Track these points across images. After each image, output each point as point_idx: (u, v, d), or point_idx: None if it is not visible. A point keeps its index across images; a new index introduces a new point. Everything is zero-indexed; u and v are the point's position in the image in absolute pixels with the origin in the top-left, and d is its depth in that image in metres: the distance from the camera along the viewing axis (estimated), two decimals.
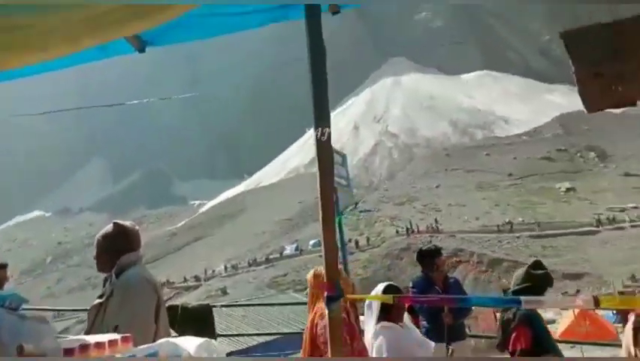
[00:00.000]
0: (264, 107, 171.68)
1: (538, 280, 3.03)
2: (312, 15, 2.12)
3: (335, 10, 2.45)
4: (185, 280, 68.62)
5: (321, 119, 2.02)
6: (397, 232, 57.85)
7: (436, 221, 59.98)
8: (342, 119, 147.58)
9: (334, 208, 1.85)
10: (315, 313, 2.98)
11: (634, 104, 1.86)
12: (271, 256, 65.64)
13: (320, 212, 1.85)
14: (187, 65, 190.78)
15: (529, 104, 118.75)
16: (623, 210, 57.71)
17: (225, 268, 67.74)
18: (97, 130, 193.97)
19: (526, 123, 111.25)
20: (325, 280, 1.92)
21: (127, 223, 2.77)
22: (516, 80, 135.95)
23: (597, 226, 53.70)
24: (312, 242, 59.00)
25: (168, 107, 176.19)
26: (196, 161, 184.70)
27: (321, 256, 1.94)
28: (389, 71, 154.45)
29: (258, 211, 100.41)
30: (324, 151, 1.94)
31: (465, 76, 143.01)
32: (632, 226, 52.22)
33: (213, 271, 68.59)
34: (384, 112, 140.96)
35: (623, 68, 1.90)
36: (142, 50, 2.63)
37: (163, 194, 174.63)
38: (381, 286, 3.19)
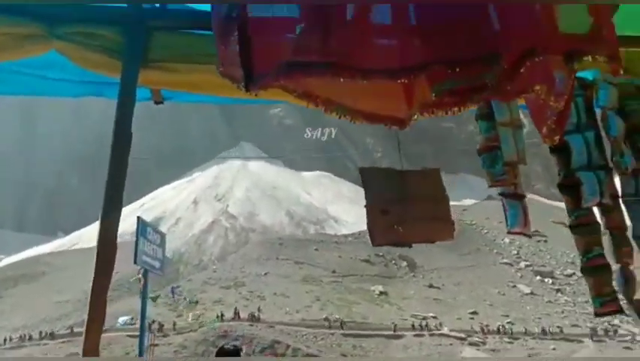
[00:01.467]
0: (96, 168, 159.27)
1: None
2: (125, 99, 2.04)
3: (158, 101, 2.41)
4: None
5: (111, 210, 1.87)
6: (218, 316, 55.69)
7: (258, 309, 59.29)
8: (184, 191, 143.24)
9: (104, 309, 1.66)
10: None
11: (410, 246, 2.09)
12: (69, 331, 57.49)
13: (86, 317, 1.64)
14: (24, 118, 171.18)
15: (357, 209, 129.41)
16: (424, 318, 63.95)
17: (5, 339, 57.33)
18: None
19: (353, 225, 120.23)
20: None
21: None
22: (349, 186, 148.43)
23: (401, 331, 58.33)
24: (121, 319, 53.36)
25: None
26: (3, 210, 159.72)
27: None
28: (238, 154, 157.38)
29: (65, 276, 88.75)
30: (106, 247, 1.78)
31: (305, 173, 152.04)
32: (430, 335, 57.99)
33: None
34: (226, 192, 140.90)
35: (405, 212, 2.16)
36: None
37: None
38: None
